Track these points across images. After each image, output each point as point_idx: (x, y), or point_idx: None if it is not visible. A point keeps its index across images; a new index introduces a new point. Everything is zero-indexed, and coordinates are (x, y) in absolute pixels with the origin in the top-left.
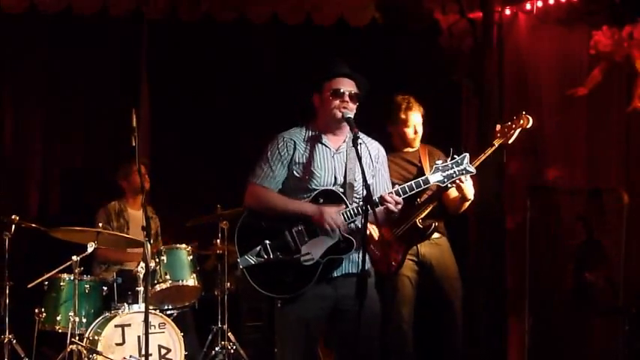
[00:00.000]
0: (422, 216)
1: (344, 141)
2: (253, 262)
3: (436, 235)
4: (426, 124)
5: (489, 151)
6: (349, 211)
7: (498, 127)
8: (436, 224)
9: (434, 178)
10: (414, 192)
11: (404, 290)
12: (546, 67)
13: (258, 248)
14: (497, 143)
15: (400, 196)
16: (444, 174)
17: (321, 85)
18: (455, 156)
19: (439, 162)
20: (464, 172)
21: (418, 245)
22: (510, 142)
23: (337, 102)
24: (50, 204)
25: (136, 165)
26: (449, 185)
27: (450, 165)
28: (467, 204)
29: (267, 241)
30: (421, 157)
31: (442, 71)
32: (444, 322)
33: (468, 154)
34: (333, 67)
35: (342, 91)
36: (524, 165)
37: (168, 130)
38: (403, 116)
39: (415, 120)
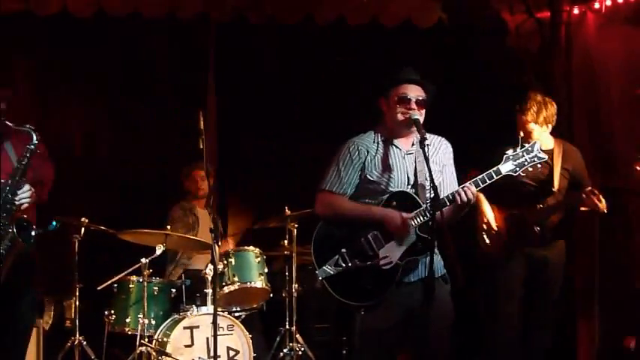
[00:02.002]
0: (539, 221)
1: (412, 144)
2: (332, 272)
3: None
4: (493, 126)
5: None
6: (422, 211)
7: None
8: (549, 235)
9: (505, 167)
10: (486, 184)
11: (512, 285)
12: (615, 66)
13: (335, 258)
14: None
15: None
16: (515, 162)
17: (388, 91)
18: (525, 144)
19: (509, 151)
20: (535, 159)
21: None
22: None
23: (403, 108)
24: (116, 206)
25: (198, 168)
26: (521, 174)
27: (520, 153)
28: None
29: (344, 250)
30: (554, 155)
31: (509, 71)
32: (532, 322)
33: (538, 142)
34: (400, 73)
35: (408, 97)
36: (593, 165)
37: (236, 132)
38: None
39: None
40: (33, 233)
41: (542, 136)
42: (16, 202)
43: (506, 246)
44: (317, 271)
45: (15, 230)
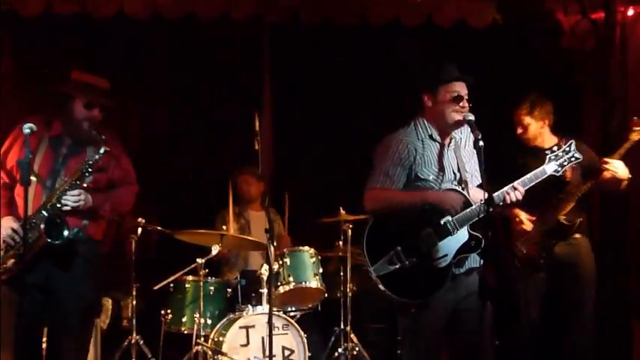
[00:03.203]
0: (564, 212)
1: (451, 137)
2: (387, 270)
3: (576, 234)
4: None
5: (627, 147)
6: (473, 209)
7: (635, 118)
8: (581, 219)
9: (550, 168)
10: (532, 184)
11: (532, 289)
12: None
13: (389, 255)
14: (636, 137)
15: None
16: (557, 162)
17: (436, 87)
18: (562, 144)
19: (549, 152)
20: (573, 158)
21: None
22: None
23: (457, 106)
24: (170, 207)
25: (245, 173)
26: (561, 173)
27: (560, 154)
28: (625, 182)
29: (399, 247)
30: None
31: (564, 72)
32: (568, 324)
33: (573, 141)
34: (448, 70)
35: (461, 95)
36: None
37: (291, 133)
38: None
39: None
40: (65, 233)
41: (542, 132)
42: (62, 201)
43: (541, 247)
44: (370, 269)
45: (43, 227)
